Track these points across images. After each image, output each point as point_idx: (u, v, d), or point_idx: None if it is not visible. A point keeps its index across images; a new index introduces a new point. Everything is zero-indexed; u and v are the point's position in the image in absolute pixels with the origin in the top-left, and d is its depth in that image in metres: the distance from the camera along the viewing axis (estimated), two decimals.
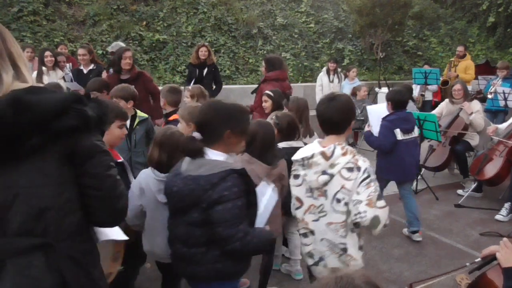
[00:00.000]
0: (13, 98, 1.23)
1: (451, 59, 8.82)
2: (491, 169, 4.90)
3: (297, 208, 2.24)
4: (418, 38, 13.34)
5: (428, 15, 13.67)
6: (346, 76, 8.24)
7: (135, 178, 2.57)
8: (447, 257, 3.83)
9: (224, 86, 6.79)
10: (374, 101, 8.21)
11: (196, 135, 1.91)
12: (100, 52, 8.71)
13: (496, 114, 6.88)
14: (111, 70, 5.19)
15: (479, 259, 1.87)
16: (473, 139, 5.57)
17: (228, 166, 1.84)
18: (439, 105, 6.15)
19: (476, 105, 5.58)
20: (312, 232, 2.19)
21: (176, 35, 10.04)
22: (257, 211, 1.99)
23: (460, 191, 5.40)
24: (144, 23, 9.86)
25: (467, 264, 1.97)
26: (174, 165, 2.32)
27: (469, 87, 7.58)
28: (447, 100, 5.95)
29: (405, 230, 4.27)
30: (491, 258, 1.78)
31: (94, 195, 1.38)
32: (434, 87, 8.19)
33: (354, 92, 7.33)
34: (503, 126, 5.08)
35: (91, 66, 5.59)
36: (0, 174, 1.27)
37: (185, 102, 4.08)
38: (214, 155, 1.89)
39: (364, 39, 11.93)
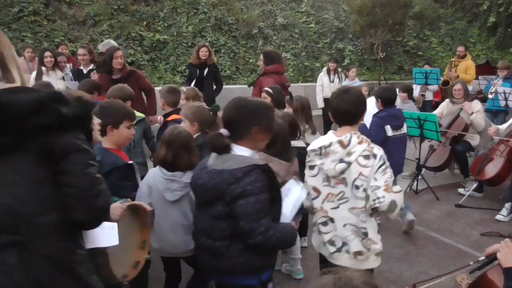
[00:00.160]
0: None
1: (452, 59, 8.81)
2: (491, 169, 4.89)
3: (314, 198, 2.30)
4: (419, 38, 13.33)
5: (429, 15, 13.67)
6: (346, 76, 8.24)
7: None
8: (448, 257, 3.82)
9: (224, 86, 6.79)
10: None
11: (224, 131, 1.93)
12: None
13: (496, 114, 6.87)
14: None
15: (483, 257, 1.86)
16: (474, 139, 5.57)
17: (252, 161, 1.87)
18: (439, 105, 6.15)
19: (476, 105, 5.58)
20: (331, 220, 2.27)
21: (176, 35, 10.04)
22: (281, 207, 2.01)
23: (461, 190, 5.39)
24: (145, 23, 9.87)
25: (471, 263, 1.97)
26: (179, 164, 2.39)
27: (470, 87, 7.57)
28: (447, 100, 5.95)
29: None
30: (492, 258, 1.77)
31: (70, 193, 1.37)
32: (434, 87, 8.18)
33: None
34: (503, 126, 5.08)
35: (91, 66, 5.59)
36: None
37: (180, 104, 4.10)
38: (240, 150, 1.92)
39: (364, 39, 11.93)
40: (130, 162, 2.50)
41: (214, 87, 6.39)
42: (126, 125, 2.49)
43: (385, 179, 2.09)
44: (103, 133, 2.40)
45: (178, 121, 3.53)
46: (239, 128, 1.92)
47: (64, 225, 1.40)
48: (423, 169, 5.66)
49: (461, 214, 4.84)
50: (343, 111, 2.20)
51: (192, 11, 10.57)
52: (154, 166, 2.62)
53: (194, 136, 2.84)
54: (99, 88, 4.09)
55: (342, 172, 2.15)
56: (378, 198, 2.08)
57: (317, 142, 2.27)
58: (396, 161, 4.09)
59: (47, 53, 5.73)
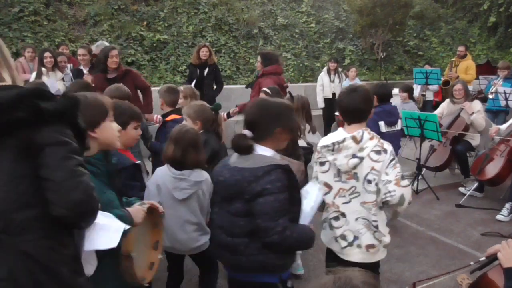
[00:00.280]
0: None
1: (452, 59, 8.81)
2: (492, 169, 4.89)
3: (326, 194, 2.35)
4: (419, 38, 13.33)
5: (429, 15, 13.67)
6: (347, 76, 8.24)
7: None
8: (448, 257, 3.82)
9: (225, 86, 6.79)
10: None
11: (247, 132, 1.96)
12: None
13: (497, 114, 6.87)
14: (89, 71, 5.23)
15: (483, 258, 1.86)
16: (474, 139, 5.57)
17: (273, 161, 1.90)
18: (440, 105, 6.15)
19: (477, 105, 5.58)
20: (343, 215, 2.32)
21: (177, 35, 10.04)
22: (300, 208, 2.02)
23: (462, 189, 5.39)
24: (145, 23, 9.87)
25: (471, 263, 1.97)
26: (187, 162, 2.42)
27: (470, 87, 7.57)
28: (448, 100, 5.94)
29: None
30: (493, 258, 1.77)
31: (47, 187, 1.35)
32: (435, 87, 8.18)
33: None
34: (503, 126, 5.08)
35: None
36: None
37: (178, 102, 4.12)
38: (262, 150, 1.95)
39: (365, 39, 11.93)
40: (138, 162, 2.51)
41: (215, 87, 6.39)
42: (133, 126, 2.50)
43: (395, 174, 2.19)
44: None
45: (177, 121, 3.53)
46: (262, 129, 1.95)
47: (46, 222, 1.38)
48: (424, 169, 5.66)
49: (462, 214, 4.83)
50: (354, 109, 2.27)
51: (193, 11, 10.57)
52: (162, 164, 2.63)
53: None
54: (89, 88, 4.09)
55: (355, 167, 2.22)
56: (389, 192, 2.16)
57: (328, 139, 2.33)
58: None
59: (47, 54, 5.73)
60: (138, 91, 4.96)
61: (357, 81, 8.09)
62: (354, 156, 2.21)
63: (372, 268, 2.35)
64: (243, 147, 1.94)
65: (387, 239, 2.34)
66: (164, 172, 2.51)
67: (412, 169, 5.84)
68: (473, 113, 5.42)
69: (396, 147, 4.31)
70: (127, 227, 1.61)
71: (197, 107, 3.08)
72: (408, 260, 3.78)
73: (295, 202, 1.97)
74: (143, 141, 3.87)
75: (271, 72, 4.86)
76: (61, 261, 1.43)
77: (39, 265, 1.37)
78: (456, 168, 6.09)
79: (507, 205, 4.67)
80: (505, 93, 6.34)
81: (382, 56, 11.02)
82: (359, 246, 2.30)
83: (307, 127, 3.87)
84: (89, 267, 1.59)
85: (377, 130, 4.01)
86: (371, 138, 2.23)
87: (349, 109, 2.29)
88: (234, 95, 7.78)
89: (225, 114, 4.41)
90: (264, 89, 4.11)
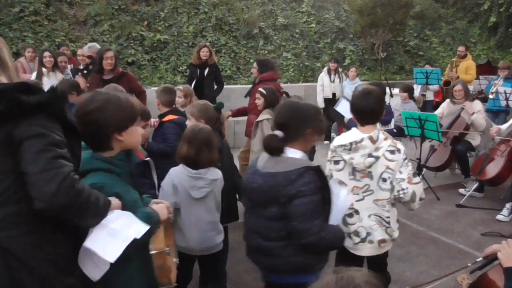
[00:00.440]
0: None
1: (453, 59, 8.81)
2: (492, 169, 4.89)
3: None
4: (419, 38, 13.32)
5: (429, 15, 13.66)
6: (347, 76, 8.24)
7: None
8: (448, 257, 3.83)
9: (225, 86, 6.80)
10: None
11: (279, 133, 1.99)
12: None
13: (497, 114, 6.87)
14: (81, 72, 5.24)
15: (480, 258, 1.87)
16: (475, 139, 5.57)
17: (304, 163, 1.95)
18: (440, 105, 6.15)
19: (477, 105, 5.58)
20: (356, 212, 2.41)
21: (177, 35, 10.05)
22: (330, 209, 2.06)
23: (461, 190, 5.39)
24: (145, 23, 9.87)
25: (469, 264, 1.97)
26: (201, 160, 2.45)
27: (471, 87, 7.56)
28: (448, 100, 5.95)
29: None
30: (493, 258, 1.77)
31: (26, 181, 1.33)
32: (435, 87, 8.18)
33: None
34: (504, 126, 5.08)
35: (91, 66, 5.59)
36: None
37: (178, 102, 4.13)
38: (291, 153, 2.00)
39: (365, 39, 11.93)
40: (147, 159, 2.52)
41: (215, 87, 6.40)
42: (141, 125, 2.51)
43: (407, 172, 2.34)
44: None
45: (175, 122, 3.52)
46: (293, 131, 1.99)
47: (30, 218, 1.37)
48: (424, 169, 5.66)
49: (462, 214, 4.84)
50: (370, 111, 2.38)
51: (193, 11, 10.58)
52: (159, 164, 2.63)
53: None
54: (78, 87, 4.11)
55: (370, 166, 2.32)
56: (403, 189, 2.30)
57: (344, 138, 2.40)
58: None
59: (46, 53, 5.73)
60: (133, 95, 4.98)
61: (358, 81, 8.09)
62: (370, 155, 2.30)
63: (382, 258, 2.56)
64: (275, 148, 1.99)
65: (396, 234, 2.49)
66: (180, 172, 2.52)
67: (412, 169, 5.82)
68: (473, 113, 5.42)
69: None
70: (139, 236, 1.54)
71: (201, 106, 3.10)
72: (408, 260, 3.78)
73: (326, 202, 2.02)
74: None
75: (268, 79, 4.91)
76: (45, 259, 1.40)
77: (20, 263, 1.35)
78: (456, 168, 6.09)
79: (508, 205, 4.67)
80: (505, 93, 6.33)
81: (383, 56, 11.00)
82: (371, 241, 2.41)
83: None
84: (96, 271, 1.52)
85: None
86: (385, 139, 2.35)
87: (365, 111, 2.38)
88: (235, 95, 7.78)
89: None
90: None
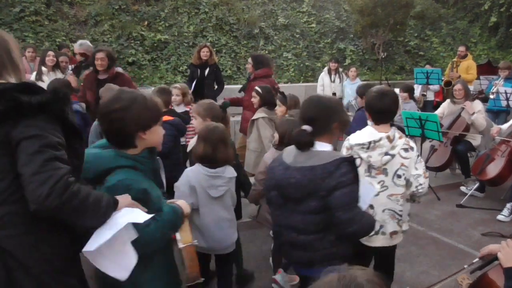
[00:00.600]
0: None
1: (453, 59, 8.80)
2: (493, 169, 4.89)
3: None
4: (420, 38, 13.32)
5: (430, 15, 13.66)
6: (347, 76, 8.23)
7: None
8: (449, 257, 3.83)
9: (225, 86, 6.79)
10: None
11: (307, 128, 2.02)
12: None
13: (498, 114, 6.86)
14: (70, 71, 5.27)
15: (477, 259, 1.88)
16: (475, 139, 5.56)
17: (338, 155, 2.02)
18: (440, 106, 6.14)
19: (477, 105, 5.58)
20: (371, 207, 2.47)
21: (177, 35, 10.05)
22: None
23: (463, 188, 5.38)
24: (146, 23, 9.88)
25: (465, 266, 1.98)
26: (218, 158, 2.46)
27: (471, 87, 7.56)
28: (448, 100, 5.94)
29: None
30: (493, 258, 1.77)
31: (21, 182, 1.33)
32: (435, 87, 8.17)
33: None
34: (504, 126, 5.08)
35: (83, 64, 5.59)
36: None
37: (175, 100, 4.12)
38: (320, 146, 2.05)
39: (365, 39, 11.93)
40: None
41: (216, 87, 6.40)
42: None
43: (422, 167, 2.47)
44: None
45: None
46: (321, 125, 2.05)
47: (27, 218, 1.36)
48: None
49: (462, 214, 4.83)
50: (387, 111, 2.49)
51: (193, 11, 10.58)
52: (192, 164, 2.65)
53: None
54: (70, 87, 4.12)
55: (385, 163, 2.43)
56: (420, 184, 2.45)
57: (360, 137, 2.51)
58: None
59: (50, 53, 5.78)
60: None
61: (358, 81, 8.08)
62: (386, 153, 2.42)
63: (390, 251, 2.68)
64: (305, 143, 2.02)
65: (406, 226, 2.62)
66: (197, 172, 2.51)
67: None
68: (474, 113, 5.42)
69: None
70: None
71: (207, 105, 3.11)
72: (408, 260, 3.78)
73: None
74: None
75: (262, 76, 4.91)
76: (42, 259, 1.40)
77: (17, 262, 1.35)
78: (457, 168, 6.08)
79: (508, 205, 4.66)
80: (506, 93, 6.33)
81: (383, 56, 11.01)
82: (383, 233, 2.53)
83: None
84: (121, 271, 1.51)
85: (364, 127, 4.10)
86: (400, 137, 2.47)
87: (382, 111, 2.48)
88: (235, 95, 7.77)
89: None
90: (256, 88, 4.13)
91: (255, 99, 4.09)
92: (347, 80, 8.10)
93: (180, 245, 1.79)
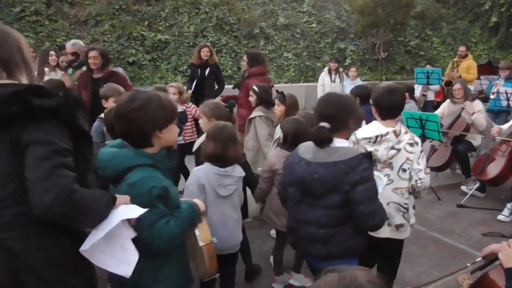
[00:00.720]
0: None
1: (454, 59, 8.80)
2: (493, 169, 4.88)
3: None
4: (420, 38, 13.31)
5: (430, 15, 13.66)
6: (348, 76, 8.23)
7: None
8: (449, 257, 3.82)
9: (226, 86, 6.79)
10: None
11: (326, 124, 2.07)
12: None
13: (498, 114, 6.85)
14: (69, 70, 5.26)
15: (479, 258, 1.87)
16: (475, 139, 5.56)
17: (358, 151, 2.09)
18: (441, 106, 6.14)
19: (477, 104, 5.57)
20: None
21: (178, 35, 10.05)
22: None
23: (463, 187, 5.38)
24: (146, 23, 9.88)
25: (468, 264, 1.97)
26: (228, 157, 2.48)
27: (472, 87, 7.55)
28: (448, 100, 5.94)
29: None
30: (493, 258, 1.77)
31: (26, 186, 1.33)
32: (436, 87, 8.16)
33: None
34: (505, 126, 5.07)
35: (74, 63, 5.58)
36: None
37: (172, 98, 4.12)
38: (339, 142, 2.11)
39: (366, 39, 11.92)
40: None
41: (216, 87, 6.39)
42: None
43: (424, 163, 2.52)
44: None
45: None
46: (339, 122, 2.11)
47: (35, 220, 1.36)
48: None
49: (463, 214, 4.83)
50: (395, 107, 2.55)
51: (194, 11, 10.58)
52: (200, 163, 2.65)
53: None
54: (64, 86, 4.12)
55: (391, 157, 2.49)
56: (420, 179, 2.49)
57: (367, 132, 2.55)
58: None
59: (52, 52, 5.79)
60: None
61: (358, 81, 8.08)
62: (392, 147, 2.47)
63: (397, 245, 2.71)
64: (325, 139, 2.08)
65: (413, 220, 2.67)
66: (206, 171, 2.51)
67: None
68: (474, 112, 5.42)
69: None
70: (136, 258, 1.53)
71: (212, 105, 3.11)
72: (409, 260, 3.78)
73: None
74: None
75: (257, 73, 4.90)
76: (48, 260, 1.40)
77: (23, 263, 1.35)
78: (457, 168, 6.08)
79: (509, 205, 4.66)
80: (506, 93, 6.32)
81: (383, 56, 11.00)
82: (389, 224, 2.58)
83: None
84: (125, 267, 1.53)
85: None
86: (406, 132, 2.52)
87: (390, 107, 2.53)
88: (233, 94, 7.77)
89: None
90: (254, 87, 4.14)
91: (252, 98, 4.11)
92: (348, 80, 8.10)
93: (201, 243, 1.84)
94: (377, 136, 2.50)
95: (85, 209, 1.40)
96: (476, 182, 5.29)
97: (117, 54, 9.12)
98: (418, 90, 8.12)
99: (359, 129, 2.64)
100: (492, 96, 6.75)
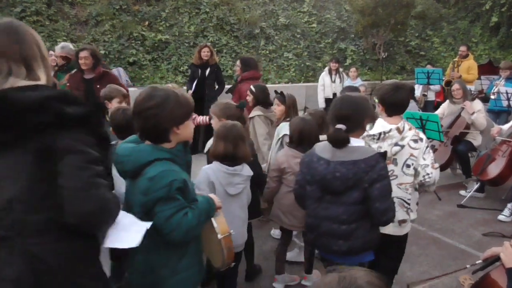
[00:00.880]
0: None
1: (454, 59, 8.79)
2: (494, 169, 4.88)
3: None
4: (421, 38, 13.31)
5: (431, 15, 13.65)
6: (348, 76, 8.23)
7: None
8: (450, 258, 3.82)
9: (226, 86, 6.80)
10: None
11: (342, 126, 2.14)
12: (102, 52, 8.73)
13: (499, 114, 6.84)
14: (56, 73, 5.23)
15: (480, 261, 1.87)
16: (476, 139, 5.55)
17: (375, 150, 2.21)
18: (441, 106, 6.13)
19: (477, 104, 5.56)
20: None
21: (178, 35, 10.05)
22: None
23: (462, 192, 5.38)
24: (147, 23, 9.88)
25: (467, 266, 1.98)
26: (239, 156, 2.52)
27: (472, 87, 7.54)
28: (448, 100, 5.93)
29: None
30: (495, 258, 1.77)
31: (61, 194, 1.34)
32: (436, 87, 8.16)
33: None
34: (506, 127, 5.07)
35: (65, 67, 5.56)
36: None
37: None
38: (355, 142, 2.19)
39: (366, 39, 11.92)
40: None
41: (216, 87, 6.40)
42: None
43: (431, 158, 2.54)
44: None
45: None
46: (355, 123, 2.19)
47: (58, 226, 1.37)
48: None
49: (463, 214, 4.83)
50: (401, 104, 2.58)
51: (194, 11, 10.58)
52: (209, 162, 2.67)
53: None
54: (56, 86, 4.11)
55: (395, 153, 2.53)
56: (428, 174, 2.52)
57: (372, 129, 2.60)
58: None
59: (51, 52, 5.76)
60: None
61: (359, 81, 8.09)
62: (396, 144, 2.52)
63: (402, 240, 2.73)
64: (342, 140, 2.15)
65: (414, 215, 2.73)
66: (216, 169, 2.53)
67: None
68: (474, 112, 5.41)
69: None
70: (148, 226, 1.60)
71: (223, 105, 3.13)
72: (409, 260, 3.77)
73: None
74: None
75: (249, 77, 4.96)
76: (71, 266, 1.42)
77: (47, 269, 1.36)
78: (457, 168, 6.07)
79: (509, 205, 4.66)
80: (507, 93, 6.32)
81: (384, 56, 11.00)
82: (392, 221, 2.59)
83: None
84: (131, 238, 1.57)
85: None
86: (410, 129, 2.56)
87: (396, 104, 2.57)
88: None
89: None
90: (251, 87, 4.17)
91: (249, 98, 4.14)
92: (348, 80, 8.11)
93: (219, 236, 1.92)
94: (380, 133, 2.56)
95: (112, 218, 1.48)
96: (476, 183, 5.29)
97: (117, 54, 9.12)
98: (418, 90, 8.12)
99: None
100: (492, 96, 6.74)
